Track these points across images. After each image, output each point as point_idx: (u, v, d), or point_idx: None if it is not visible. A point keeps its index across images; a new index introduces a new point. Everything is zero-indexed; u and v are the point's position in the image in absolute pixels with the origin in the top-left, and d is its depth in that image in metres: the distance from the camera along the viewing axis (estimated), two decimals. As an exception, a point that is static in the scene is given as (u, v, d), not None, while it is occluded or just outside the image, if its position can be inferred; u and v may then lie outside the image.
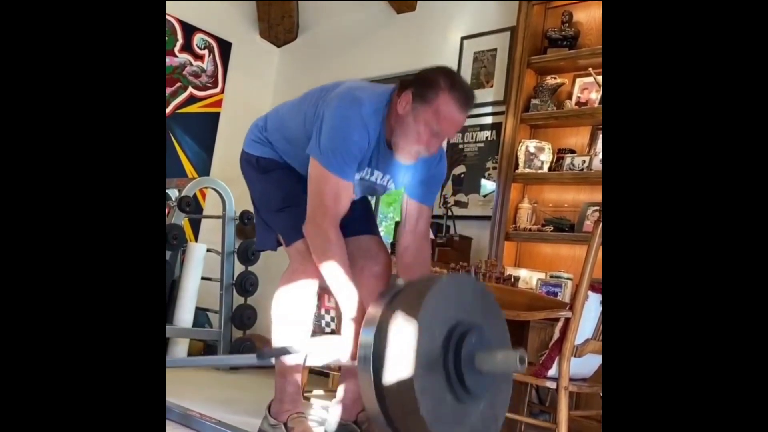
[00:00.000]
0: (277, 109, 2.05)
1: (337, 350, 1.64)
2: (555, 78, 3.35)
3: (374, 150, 1.79)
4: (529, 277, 3.12)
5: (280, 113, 2.00)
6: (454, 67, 3.89)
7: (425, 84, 1.72)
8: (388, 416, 1.41)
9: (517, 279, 2.44)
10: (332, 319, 3.55)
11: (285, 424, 1.81)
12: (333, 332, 2.73)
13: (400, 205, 2.04)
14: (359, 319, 1.57)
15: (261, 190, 1.98)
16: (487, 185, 3.64)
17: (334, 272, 1.70)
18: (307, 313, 1.85)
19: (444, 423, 1.38)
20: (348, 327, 1.64)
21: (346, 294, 1.68)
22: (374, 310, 1.47)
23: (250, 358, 2.10)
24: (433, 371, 1.37)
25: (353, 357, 1.57)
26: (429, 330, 1.38)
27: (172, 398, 2.24)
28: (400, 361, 1.35)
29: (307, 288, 1.81)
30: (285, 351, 1.78)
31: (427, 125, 1.71)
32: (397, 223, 3.80)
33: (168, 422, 2.07)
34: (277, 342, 1.85)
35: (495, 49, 3.75)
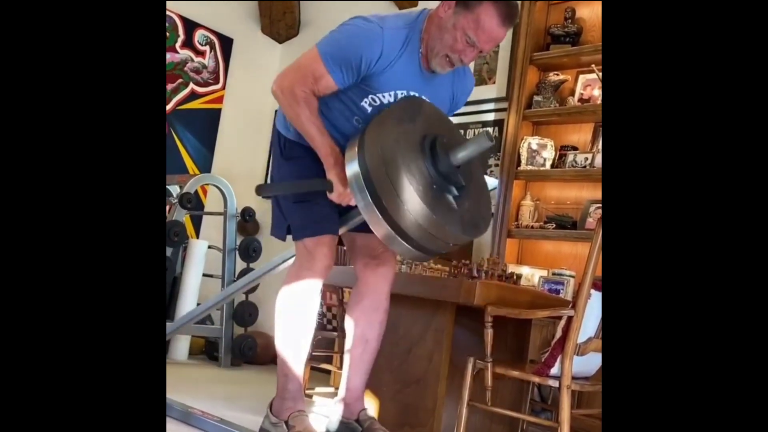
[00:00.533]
0: None
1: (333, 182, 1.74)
2: (558, 74, 3.34)
3: (409, 70, 1.78)
4: (531, 275, 3.11)
5: None
6: (456, 64, 3.87)
7: None
8: (394, 224, 1.61)
9: (519, 277, 2.43)
10: (333, 316, 3.55)
11: (286, 423, 1.80)
12: (335, 329, 2.73)
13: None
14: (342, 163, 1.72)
15: (282, 177, 1.97)
16: (489, 182, 3.62)
17: (307, 130, 1.76)
18: (311, 311, 1.84)
19: (437, 211, 1.60)
20: (332, 172, 1.73)
21: (324, 150, 1.75)
22: (351, 144, 1.70)
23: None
24: (416, 173, 1.59)
25: (343, 183, 1.70)
26: (403, 141, 1.61)
27: (173, 395, 2.23)
28: (388, 171, 1.56)
29: (312, 286, 1.80)
30: (286, 188, 1.89)
31: (464, 33, 1.71)
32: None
33: (169, 420, 2.07)
34: (279, 340, 1.84)
35: (497, 46, 3.72)
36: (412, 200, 1.57)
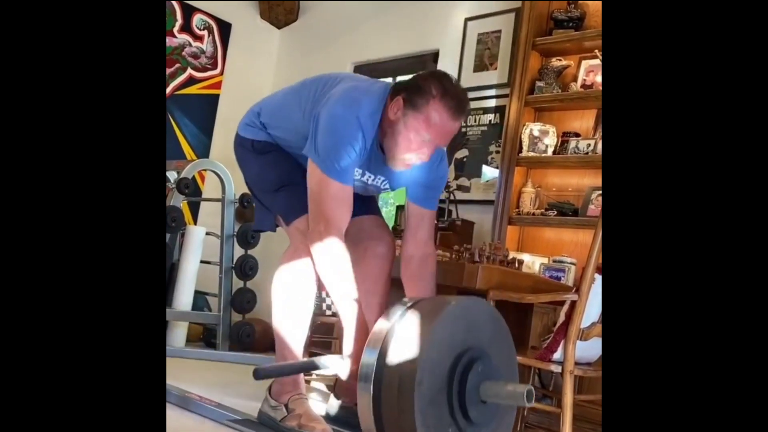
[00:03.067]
0: (272, 99, 2.01)
1: (337, 367, 1.59)
2: (560, 60, 3.31)
3: (368, 152, 1.75)
4: (531, 262, 3.09)
5: (275, 103, 1.96)
6: (458, 49, 3.84)
7: (416, 90, 1.68)
8: None
9: (521, 263, 2.41)
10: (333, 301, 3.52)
11: (286, 406, 1.79)
12: (334, 315, 2.70)
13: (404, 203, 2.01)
14: (361, 338, 1.54)
15: (257, 170, 1.95)
16: (488, 173, 3.59)
17: (337, 289, 1.67)
18: (309, 293, 1.82)
19: None
20: (349, 344, 1.60)
21: (349, 315, 1.63)
22: (379, 330, 1.42)
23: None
24: (435, 403, 1.32)
25: (353, 376, 1.52)
26: (434, 359, 1.33)
27: (170, 381, 2.21)
28: (403, 390, 1.30)
29: (309, 268, 1.78)
30: (284, 370, 1.74)
31: (417, 133, 1.67)
32: (398, 208, 3.77)
33: (167, 405, 2.05)
34: (277, 320, 1.82)
35: (499, 31, 3.69)
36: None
